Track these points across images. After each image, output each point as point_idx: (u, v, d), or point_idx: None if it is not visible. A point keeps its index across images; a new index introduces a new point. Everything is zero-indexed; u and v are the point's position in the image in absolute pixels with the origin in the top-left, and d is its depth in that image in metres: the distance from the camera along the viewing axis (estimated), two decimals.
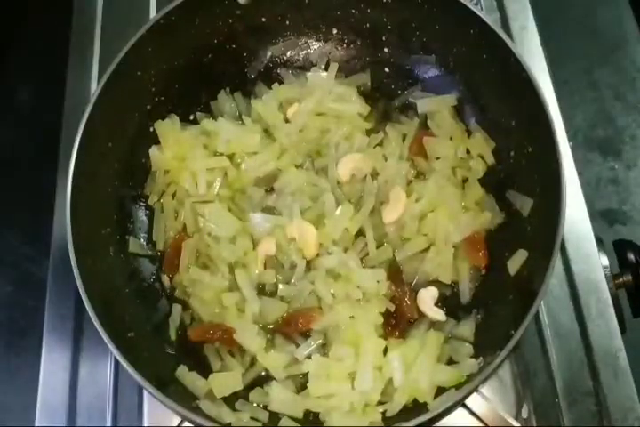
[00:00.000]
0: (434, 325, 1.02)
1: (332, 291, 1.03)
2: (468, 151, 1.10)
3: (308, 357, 1.00)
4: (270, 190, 1.13)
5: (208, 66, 1.17)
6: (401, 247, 1.07)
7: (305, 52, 1.22)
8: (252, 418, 0.96)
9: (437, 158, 1.10)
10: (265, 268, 1.07)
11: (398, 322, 1.03)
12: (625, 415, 1.01)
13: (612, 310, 1.06)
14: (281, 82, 1.19)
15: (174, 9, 1.06)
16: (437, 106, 1.13)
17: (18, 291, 1.25)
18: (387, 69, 1.20)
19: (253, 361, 1.02)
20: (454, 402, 0.87)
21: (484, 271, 1.05)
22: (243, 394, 0.99)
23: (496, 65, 1.04)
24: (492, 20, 1.02)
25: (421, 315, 1.03)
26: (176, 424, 1.03)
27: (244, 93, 1.19)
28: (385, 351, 0.99)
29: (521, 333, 0.87)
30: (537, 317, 1.05)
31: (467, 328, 1.00)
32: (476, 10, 1.02)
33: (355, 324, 1.00)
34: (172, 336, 1.03)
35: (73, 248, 0.94)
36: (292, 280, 1.06)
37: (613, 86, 1.34)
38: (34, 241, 1.27)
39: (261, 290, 1.07)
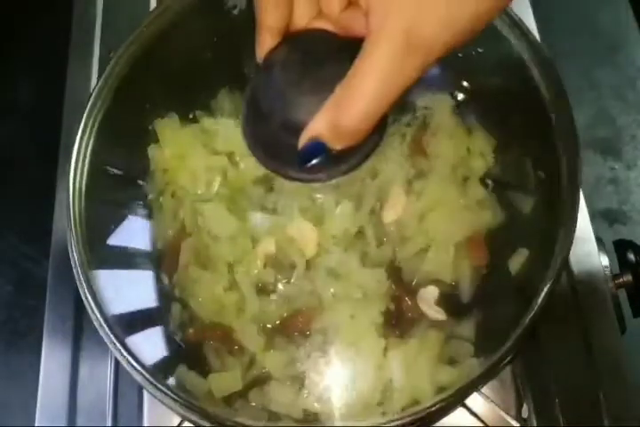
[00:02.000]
0: (434, 324, 1.02)
1: (332, 290, 1.03)
2: (468, 150, 1.10)
3: (308, 356, 1.00)
4: (270, 190, 1.13)
5: (208, 65, 1.17)
6: (401, 247, 1.06)
7: None
8: (252, 418, 0.96)
9: (437, 157, 1.10)
10: (265, 267, 1.07)
11: (398, 322, 1.03)
12: (625, 415, 1.01)
13: (612, 310, 1.06)
14: None
15: None
16: (437, 105, 1.13)
17: (18, 291, 1.25)
18: None
19: (253, 361, 1.02)
20: (454, 402, 0.87)
21: (484, 271, 1.05)
22: (242, 394, 0.98)
23: (496, 65, 1.04)
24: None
25: (421, 314, 1.03)
26: (176, 424, 1.03)
27: (244, 93, 1.19)
28: (385, 351, 0.99)
29: (521, 333, 0.87)
30: (537, 316, 1.05)
31: (467, 328, 1.00)
32: None
33: (355, 323, 1.00)
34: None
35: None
36: (292, 280, 1.06)
37: (613, 86, 1.34)
38: (34, 241, 1.27)
39: (261, 290, 1.07)
